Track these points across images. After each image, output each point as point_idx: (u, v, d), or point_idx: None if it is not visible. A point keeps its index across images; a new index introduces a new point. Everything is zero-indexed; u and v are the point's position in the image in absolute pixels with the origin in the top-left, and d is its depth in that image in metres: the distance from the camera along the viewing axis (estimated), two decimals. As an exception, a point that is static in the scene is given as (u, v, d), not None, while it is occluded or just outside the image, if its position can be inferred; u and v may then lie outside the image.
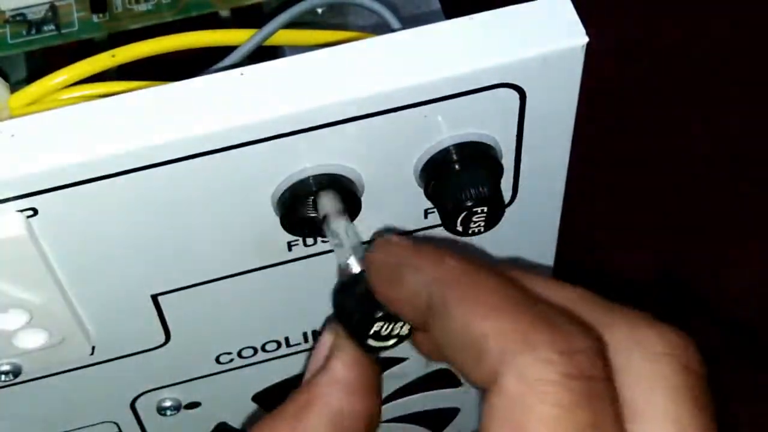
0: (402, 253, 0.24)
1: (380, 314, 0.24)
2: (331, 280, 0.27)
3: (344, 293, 0.25)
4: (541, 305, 0.22)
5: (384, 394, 0.37)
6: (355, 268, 0.25)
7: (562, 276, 0.33)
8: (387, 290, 0.24)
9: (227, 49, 0.28)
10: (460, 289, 0.22)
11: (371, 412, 0.24)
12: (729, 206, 0.56)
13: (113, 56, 0.27)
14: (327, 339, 0.25)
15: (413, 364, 0.34)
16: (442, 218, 0.26)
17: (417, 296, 0.23)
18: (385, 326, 0.24)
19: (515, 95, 0.25)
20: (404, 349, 0.34)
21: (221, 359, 0.31)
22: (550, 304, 0.22)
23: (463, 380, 0.22)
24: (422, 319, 0.23)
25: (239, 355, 0.31)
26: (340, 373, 0.24)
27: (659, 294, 0.55)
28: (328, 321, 0.30)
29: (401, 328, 0.24)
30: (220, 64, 0.28)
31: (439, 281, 0.22)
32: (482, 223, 0.26)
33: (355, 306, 0.24)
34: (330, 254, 0.28)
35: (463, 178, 0.25)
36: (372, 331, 0.24)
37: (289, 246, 0.27)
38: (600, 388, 0.21)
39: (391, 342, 0.25)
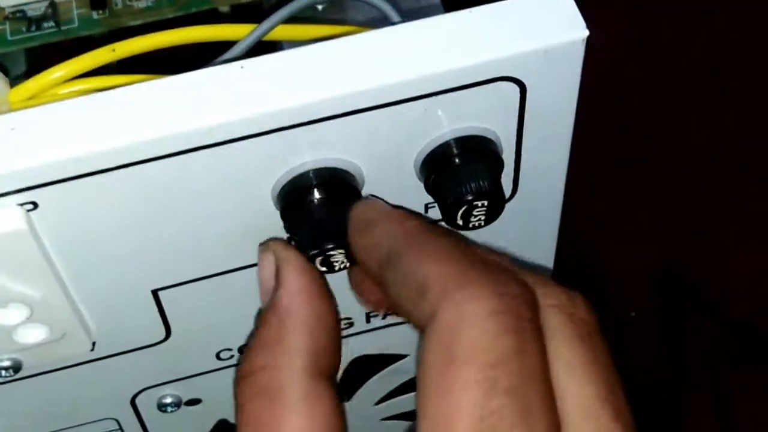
0: (377, 210, 0.25)
1: (331, 245, 0.25)
2: (332, 275, 0.27)
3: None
4: (484, 259, 0.24)
5: (385, 391, 0.37)
6: None
7: (562, 273, 0.33)
8: (357, 238, 0.25)
9: (227, 45, 0.28)
10: (413, 242, 0.24)
11: (335, 311, 0.25)
12: (729, 205, 0.56)
13: (113, 51, 0.27)
14: (268, 258, 0.26)
15: (414, 361, 0.34)
16: (442, 212, 0.26)
17: (378, 247, 0.24)
18: (334, 257, 0.25)
19: (515, 89, 0.25)
20: (404, 346, 0.34)
21: (222, 355, 0.31)
22: (492, 260, 0.24)
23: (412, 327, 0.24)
24: (379, 269, 0.24)
25: (240, 351, 0.31)
26: (297, 282, 0.25)
27: (659, 293, 0.55)
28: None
29: (341, 263, 0.26)
30: (220, 60, 0.28)
31: (397, 235, 0.24)
32: (482, 217, 0.26)
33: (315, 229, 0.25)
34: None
35: (463, 172, 0.25)
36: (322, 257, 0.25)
37: (290, 241, 0.27)
38: (527, 326, 0.22)
39: (324, 269, 0.26)
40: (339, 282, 0.27)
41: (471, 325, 0.22)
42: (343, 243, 0.25)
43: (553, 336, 0.23)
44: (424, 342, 0.22)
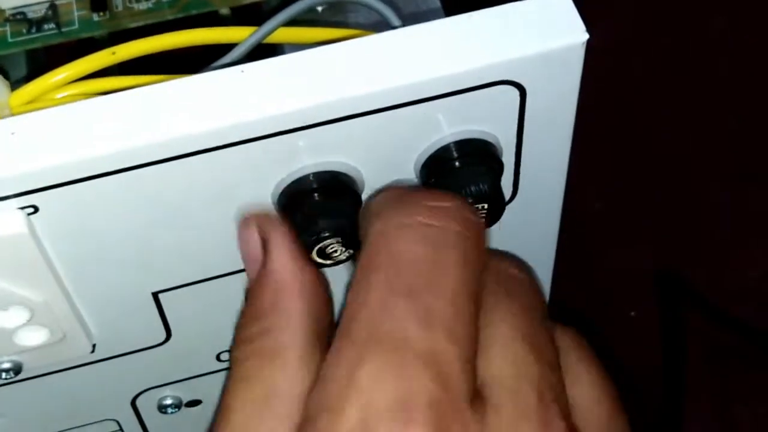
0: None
1: (328, 233, 0.25)
2: (332, 276, 0.27)
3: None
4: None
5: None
6: None
7: (562, 274, 0.33)
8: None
9: (227, 47, 0.28)
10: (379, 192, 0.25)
11: (324, 277, 0.26)
12: (729, 205, 0.56)
13: (113, 53, 0.27)
14: (251, 231, 0.25)
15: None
16: (442, 215, 0.26)
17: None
18: (330, 245, 0.25)
19: (515, 92, 0.25)
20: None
21: (222, 357, 0.31)
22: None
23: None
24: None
25: (239, 352, 0.31)
26: (288, 250, 0.25)
27: (659, 293, 0.55)
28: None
29: (342, 252, 0.25)
30: (220, 62, 0.28)
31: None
32: (483, 220, 0.26)
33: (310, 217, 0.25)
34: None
35: (463, 175, 0.25)
36: (318, 247, 0.25)
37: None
38: (448, 237, 0.23)
39: (329, 262, 0.26)
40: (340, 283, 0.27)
41: (390, 235, 0.23)
42: (340, 231, 0.25)
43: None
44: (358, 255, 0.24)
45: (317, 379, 0.23)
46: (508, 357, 0.24)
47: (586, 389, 0.25)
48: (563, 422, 0.23)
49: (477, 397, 0.23)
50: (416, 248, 0.23)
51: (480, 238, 0.24)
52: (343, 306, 0.24)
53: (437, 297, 0.23)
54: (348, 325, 0.23)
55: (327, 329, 0.25)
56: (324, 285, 0.25)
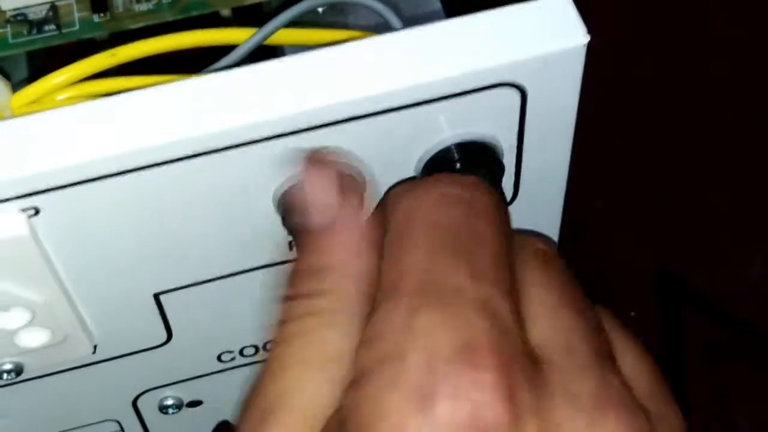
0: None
1: None
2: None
3: None
4: None
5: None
6: None
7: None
8: None
9: (228, 48, 0.28)
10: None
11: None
12: (729, 206, 0.56)
13: (113, 55, 0.27)
14: (327, 173, 0.24)
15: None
16: (443, 217, 0.26)
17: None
18: None
19: (516, 95, 0.25)
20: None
21: (223, 358, 0.31)
22: None
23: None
24: None
25: (241, 353, 0.31)
26: (367, 207, 0.25)
27: (659, 292, 0.55)
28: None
29: None
30: (221, 63, 0.28)
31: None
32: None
33: None
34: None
35: (464, 178, 0.25)
36: None
37: (290, 245, 0.28)
38: (480, 206, 0.24)
39: None
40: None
41: (423, 204, 0.24)
42: None
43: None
44: (386, 213, 0.24)
45: (363, 339, 0.23)
46: (556, 322, 0.23)
47: (629, 360, 0.25)
48: (618, 377, 0.23)
49: (531, 354, 0.23)
50: (454, 212, 0.23)
51: (505, 210, 0.25)
52: (382, 270, 0.23)
53: (482, 254, 0.23)
54: (395, 281, 0.23)
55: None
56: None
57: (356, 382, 0.22)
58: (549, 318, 0.24)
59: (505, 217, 0.24)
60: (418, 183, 0.25)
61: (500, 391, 0.21)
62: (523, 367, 0.22)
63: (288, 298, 0.24)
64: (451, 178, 0.24)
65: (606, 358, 0.23)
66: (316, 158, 0.24)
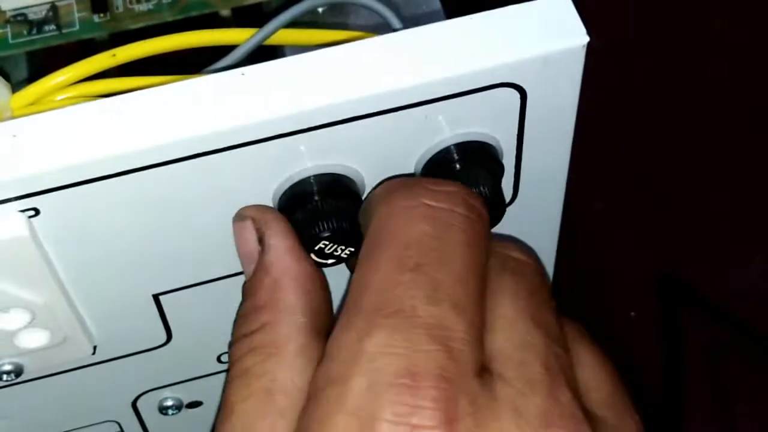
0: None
1: (328, 233, 0.25)
2: (332, 279, 0.27)
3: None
4: None
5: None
6: None
7: (562, 274, 0.33)
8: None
9: (227, 49, 0.28)
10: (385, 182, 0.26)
11: (323, 272, 0.26)
12: (729, 206, 0.56)
13: (113, 56, 0.27)
14: (246, 226, 0.25)
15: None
16: (443, 218, 0.26)
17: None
18: (330, 245, 0.25)
19: (516, 95, 0.25)
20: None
21: (222, 358, 0.31)
22: None
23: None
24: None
25: (240, 354, 0.31)
26: (285, 243, 0.25)
27: (659, 293, 0.55)
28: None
29: (342, 251, 0.25)
30: (221, 64, 0.28)
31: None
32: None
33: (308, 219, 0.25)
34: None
35: (464, 178, 0.25)
36: (317, 247, 0.25)
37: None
38: (454, 217, 0.24)
39: (330, 261, 0.26)
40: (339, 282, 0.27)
41: (396, 215, 0.24)
42: (340, 232, 0.25)
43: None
44: (365, 224, 0.24)
45: (323, 356, 0.23)
46: (513, 333, 0.24)
47: (589, 370, 0.25)
48: (570, 392, 0.23)
49: (484, 370, 0.23)
50: (423, 226, 0.24)
51: (483, 222, 0.25)
52: (349, 284, 0.24)
53: (445, 273, 0.23)
54: (355, 298, 0.23)
55: (327, 324, 0.25)
56: (322, 279, 0.26)
57: (308, 401, 0.23)
58: (507, 330, 0.24)
59: (480, 228, 0.24)
60: (396, 188, 0.25)
61: (440, 417, 0.22)
62: (468, 390, 0.22)
63: (232, 343, 0.25)
64: (429, 186, 0.24)
65: (559, 372, 0.24)
66: (237, 214, 0.26)
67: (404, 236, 0.24)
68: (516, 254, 0.26)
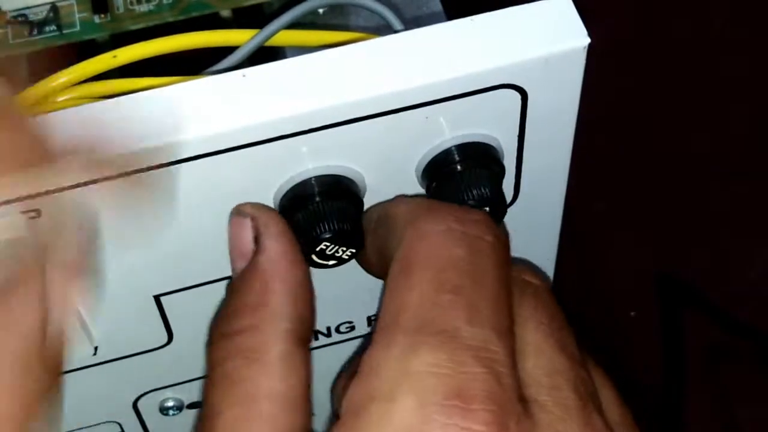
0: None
1: (329, 235, 0.25)
2: (333, 280, 0.27)
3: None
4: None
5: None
6: None
7: (563, 274, 0.33)
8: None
9: (228, 50, 0.28)
10: (392, 200, 0.26)
11: (311, 280, 0.25)
12: (729, 206, 0.56)
13: (114, 57, 0.27)
14: (244, 223, 0.25)
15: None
16: (444, 219, 0.26)
17: (370, 216, 0.26)
18: (331, 247, 0.25)
19: (517, 96, 0.25)
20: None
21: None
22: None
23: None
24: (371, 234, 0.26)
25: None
26: (280, 247, 0.25)
27: (659, 293, 0.55)
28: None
29: (344, 252, 0.25)
30: (222, 65, 0.28)
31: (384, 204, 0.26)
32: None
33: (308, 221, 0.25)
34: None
35: (465, 179, 0.25)
36: (318, 248, 0.25)
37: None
38: (483, 243, 0.24)
39: (331, 263, 0.26)
40: (342, 284, 0.27)
41: (428, 238, 0.24)
42: (341, 234, 0.25)
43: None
44: (392, 261, 0.24)
45: (359, 371, 0.23)
46: (542, 359, 0.24)
47: (602, 391, 0.25)
48: (601, 417, 0.24)
49: (521, 395, 0.23)
50: (458, 251, 0.24)
51: (507, 250, 0.25)
52: (381, 303, 0.24)
53: (482, 297, 0.23)
54: (393, 316, 0.23)
55: (310, 333, 0.25)
56: (311, 288, 0.25)
57: (345, 416, 0.23)
58: (534, 356, 0.24)
59: (506, 256, 0.25)
60: (424, 213, 0.25)
61: None
62: (515, 412, 0.22)
63: (212, 339, 0.25)
64: (456, 212, 0.24)
65: (588, 397, 0.24)
66: (236, 210, 0.25)
67: (440, 258, 0.24)
68: (531, 278, 0.26)
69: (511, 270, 0.25)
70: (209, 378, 0.25)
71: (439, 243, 0.24)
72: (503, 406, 0.22)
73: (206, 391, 0.24)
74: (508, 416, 0.22)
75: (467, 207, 0.25)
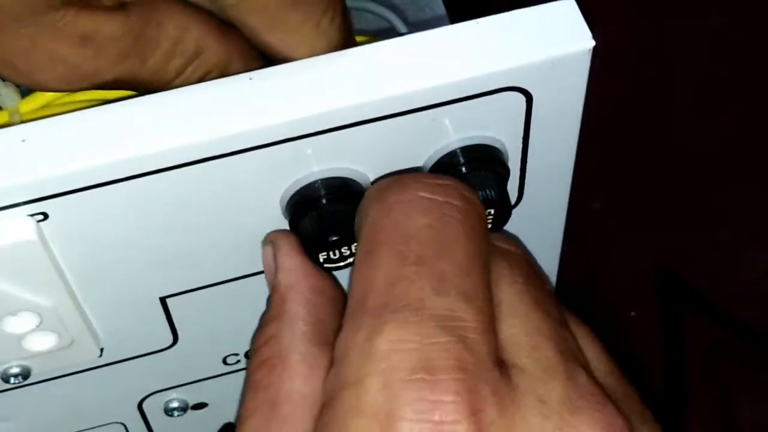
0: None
1: (335, 237, 0.25)
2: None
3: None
4: None
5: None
6: None
7: (563, 274, 0.33)
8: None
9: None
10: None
11: (334, 284, 0.26)
12: (730, 206, 0.56)
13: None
14: (266, 249, 0.26)
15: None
16: (449, 220, 0.26)
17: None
18: (338, 249, 0.25)
19: (522, 98, 0.25)
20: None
21: (228, 360, 0.31)
22: None
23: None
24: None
25: (246, 356, 0.31)
26: (292, 261, 0.25)
27: (659, 293, 0.55)
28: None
29: (350, 255, 0.26)
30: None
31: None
32: (489, 225, 0.26)
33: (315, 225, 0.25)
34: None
35: (470, 181, 0.25)
36: (325, 251, 0.25)
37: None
38: (450, 209, 0.23)
39: (342, 264, 0.26)
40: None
41: (392, 212, 0.23)
42: (347, 236, 0.25)
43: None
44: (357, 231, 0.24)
45: (333, 359, 0.23)
46: (519, 319, 0.24)
47: (586, 345, 0.25)
48: (586, 373, 0.23)
49: (498, 360, 0.23)
50: (421, 219, 0.23)
51: (481, 214, 0.24)
52: (350, 286, 0.24)
53: (448, 264, 0.23)
54: (359, 298, 0.23)
55: (334, 331, 0.25)
56: (330, 292, 0.26)
57: (323, 408, 0.23)
58: (512, 317, 0.24)
59: (477, 218, 0.24)
60: (391, 185, 0.24)
61: (463, 410, 0.21)
62: (488, 379, 0.22)
63: (250, 355, 0.25)
64: (423, 179, 0.24)
65: (572, 355, 0.23)
66: (263, 239, 0.26)
67: (403, 230, 0.23)
68: (503, 244, 0.26)
69: (487, 233, 0.24)
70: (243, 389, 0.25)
71: (403, 214, 0.23)
72: (474, 373, 0.21)
73: (239, 405, 0.25)
74: (480, 383, 0.21)
75: (438, 174, 0.25)
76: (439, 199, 0.24)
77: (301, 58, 0.24)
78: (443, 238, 0.23)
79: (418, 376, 0.21)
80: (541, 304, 0.24)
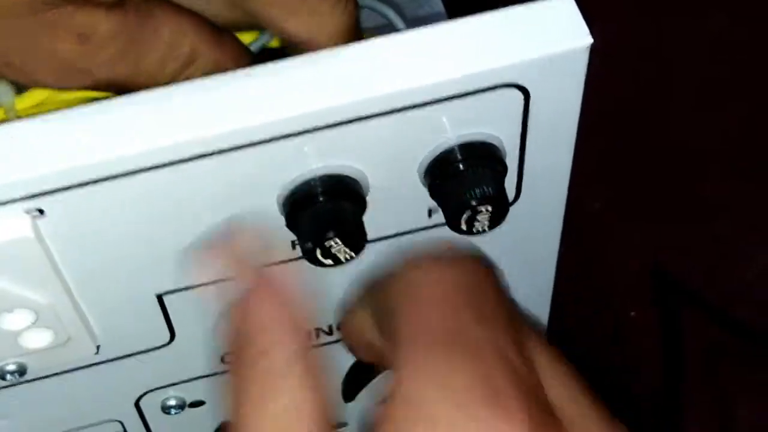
0: None
1: (332, 234, 0.25)
2: (335, 279, 0.27)
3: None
4: None
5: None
6: None
7: (562, 274, 0.33)
8: None
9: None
10: None
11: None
12: (728, 206, 0.56)
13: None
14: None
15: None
16: (446, 217, 0.26)
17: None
18: (333, 247, 0.25)
19: (519, 95, 0.25)
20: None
21: (226, 358, 0.31)
22: None
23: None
24: None
25: (243, 354, 0.31)
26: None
27: (659, 293, 0.55)
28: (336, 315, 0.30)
29: (346, 253, 0.26)
30: (225, 65, 0.28)
31: None
32: (486, 222, 0.26)
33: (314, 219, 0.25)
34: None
35: (467, 178, 0.25)
36: (321, 247, 0.25)
37: (293, 245, 0.28)
38: (480, 273, 0.24)
39: (329, 262, 0.26)
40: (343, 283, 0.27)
41: (426, 268, 0.24)
42: (344, 233, 0.25)
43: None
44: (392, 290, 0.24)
45: (390, 399, 0.23)
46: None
47: (558, 388, 0.25)
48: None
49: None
50: (456, 271, 0.24)
51: (499, 275, 0.25)
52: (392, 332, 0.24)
53: (488, 309, 0.24)
54: (413, 335, 0.23)
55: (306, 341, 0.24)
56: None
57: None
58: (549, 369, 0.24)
59: (500, 280, 0.25)
60: (416, 260, 0.25)
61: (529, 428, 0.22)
62: (539, 403, 0.23)
63: (236, 363, 0.25)
64: (446, 253, 0.25)
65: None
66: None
67: (443, 279, 0.24)
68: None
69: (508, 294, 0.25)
70: (236, 395, 0.24)
71: (437, 269, 0.24)
72: (528, 394, 0.23)
73: (233, 414, 0.24)
74: (535, 404, 0.23)
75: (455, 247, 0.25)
76: (470, 266, 0.24)
77: (323, 42, 0.25)
78: (480, 287, 0.24)
79: (489, 401, 0.22)
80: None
